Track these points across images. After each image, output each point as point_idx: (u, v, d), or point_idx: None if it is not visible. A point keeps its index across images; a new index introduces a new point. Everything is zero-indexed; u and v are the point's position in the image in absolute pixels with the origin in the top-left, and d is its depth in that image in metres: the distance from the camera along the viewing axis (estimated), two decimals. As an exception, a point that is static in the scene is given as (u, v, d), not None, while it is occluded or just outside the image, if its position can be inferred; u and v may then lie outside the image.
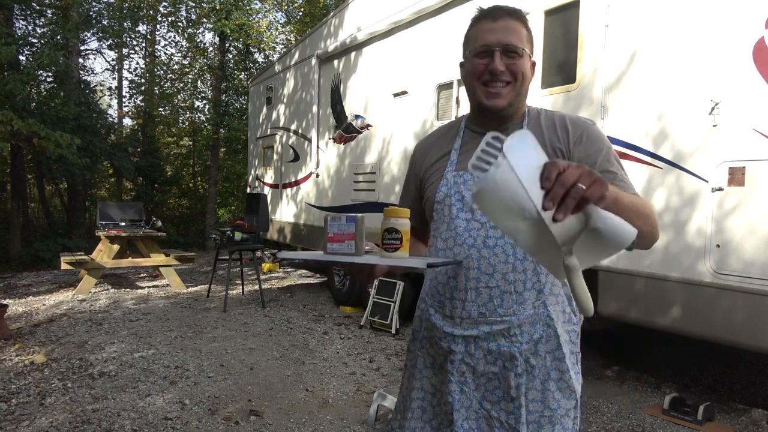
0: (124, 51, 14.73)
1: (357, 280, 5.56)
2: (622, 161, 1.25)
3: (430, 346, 1.30)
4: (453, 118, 4.62)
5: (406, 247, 1.12)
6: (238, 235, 5.95)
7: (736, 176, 2.79)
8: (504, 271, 1.19)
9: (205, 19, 13.59)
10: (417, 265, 1.09)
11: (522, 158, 0.79)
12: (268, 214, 7.13)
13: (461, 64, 1.34)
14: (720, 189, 2.85)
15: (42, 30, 10.27)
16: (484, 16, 1.25)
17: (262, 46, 13.95)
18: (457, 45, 1.33)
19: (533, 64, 1.28)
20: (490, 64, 1.21)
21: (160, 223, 7.62)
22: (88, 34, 11.47)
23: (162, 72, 15.85)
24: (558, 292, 1.23)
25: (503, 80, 1.21)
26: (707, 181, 2.91)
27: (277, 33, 15.08)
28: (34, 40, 9.84)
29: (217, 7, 12.37)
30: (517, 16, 1.24)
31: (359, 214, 1.16)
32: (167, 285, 7.26)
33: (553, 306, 1.21)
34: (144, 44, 15.59)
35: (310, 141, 6.81)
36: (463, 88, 5.06)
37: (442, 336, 1.26)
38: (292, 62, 7.45)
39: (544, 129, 1.26)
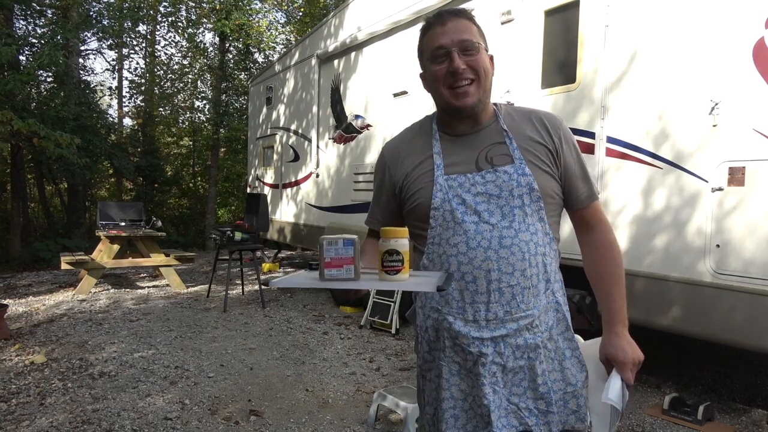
0: (124, 51, 14.75)
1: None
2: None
3: (455, 354, 1.27)
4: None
5: (407, 268, 1.11)
6: (238, 235, 5.95)
7: (736, 176, 2.79)
8: (522, 268, 1.21)
9: (205, 19, 13.60)
10: (426, 289, 1.08)
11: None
12: (268, 214, 7.13)
13: (421, 76, 1.33)
14: (720, 189, 2.85)
15: (42, 30, 10.27)
16: (432, 23, 1.26)
17: (262, 46, 13.95)
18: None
19: (491, 58, 1.29)
20: (450, 65, 1.21)
21: (160, 223, 7.61)
22: (88, 34, 11.49)
23: (162, 72, 15.86)
24: (559, 279, 1.30)
25: (467, 78, 1.22)
26: (707, 181, 2.91)
27: (277, 33, 15.09)
28: (34, 40, 9.84)
29: (217, 7, 12.37)
30: (464, 14, 1.26)
31: (356, 236, 1.12)
32: (167, 285, 7.26)
33: (558, 292, 1.28)
34: (144, 44, 15.61)
35: (310, 141, 6.81)
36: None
37: (470, 342, 1.23)
38: (292, 62, 7.45)
39: (520, 124, 1.30)
